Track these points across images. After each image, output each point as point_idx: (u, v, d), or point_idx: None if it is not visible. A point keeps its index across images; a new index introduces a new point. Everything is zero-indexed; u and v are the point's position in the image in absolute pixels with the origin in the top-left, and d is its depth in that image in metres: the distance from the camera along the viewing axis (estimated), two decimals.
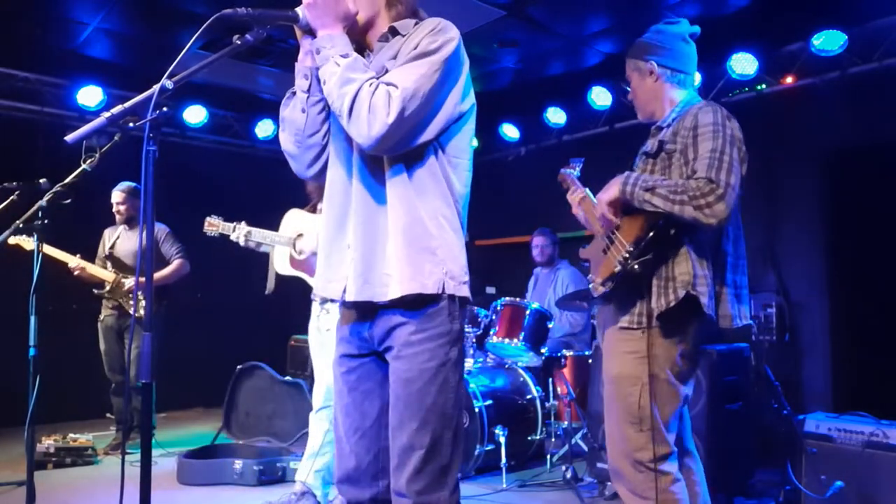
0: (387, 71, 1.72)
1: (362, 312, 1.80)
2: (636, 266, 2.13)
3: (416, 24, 1.78)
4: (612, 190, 2.24)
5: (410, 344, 1.69)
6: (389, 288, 1.70)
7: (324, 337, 3.39)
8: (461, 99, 1.76)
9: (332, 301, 1.83)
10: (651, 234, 2.14)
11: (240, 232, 3.58)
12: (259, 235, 3.57)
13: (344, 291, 1.75)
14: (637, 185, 2.16)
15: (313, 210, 3.57)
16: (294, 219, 3.61)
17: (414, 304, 1.70)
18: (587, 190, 2.57)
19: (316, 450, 3.34)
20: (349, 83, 1.64)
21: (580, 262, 2.50)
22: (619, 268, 2.16)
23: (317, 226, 3.36)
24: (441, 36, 1.70)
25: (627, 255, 2.15)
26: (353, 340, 1.82)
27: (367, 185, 1.75)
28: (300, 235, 3.55)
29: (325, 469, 3.34)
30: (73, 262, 4.71)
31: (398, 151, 1.69)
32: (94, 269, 4.80)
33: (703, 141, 2.13)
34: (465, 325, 4.81)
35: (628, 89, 2.52)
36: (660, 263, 2.15)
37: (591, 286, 2.33)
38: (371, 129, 1.62)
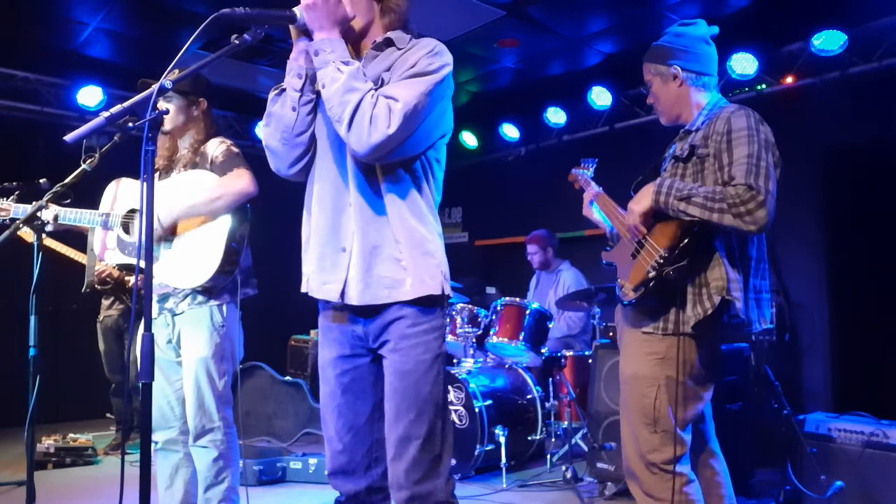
0: (383, 81, 1.80)
1: (358, 313, 1.85)
2: (671, 272, 2.08)
3: (411, 40, 1.86)
4: (644, 200, 2.19)
5: (407, 337, 1.78)
6: (393, 291, 1.78)
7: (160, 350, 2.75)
8: (445, 119, 1.87)
9: (327, 303, 1.88)
10: (686, 240, 2.09)
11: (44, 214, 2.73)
12: (72, 216, 2.76)
13: (342, 295, 1.81)
14: (671, 195, 2.11)
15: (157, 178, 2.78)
16: (127, 191, 2.78)
17: (416, 303, 1.79)
18: (601, 189, 2.57)
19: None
20: (352, 92, 1.70)
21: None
22: (652, 273, 2.11)
23: (166, 199, 2.62)
24: (438, 59, 1.79)
25: (662, 261, 2.10)
26: (346, 340, 1.88)
27: (364, 191, 1.81)
28: (133, 212, 2.70)
29: None
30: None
31: (389, 161, 1.77)
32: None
33: (738, 146, 2.09)
34: (466, 326, 4.85)
35: (645, 92, 2.46)
36: (695, 270, 2.10)
37: (620, 290, 2.26)
38: (370, 137, 1.68)
